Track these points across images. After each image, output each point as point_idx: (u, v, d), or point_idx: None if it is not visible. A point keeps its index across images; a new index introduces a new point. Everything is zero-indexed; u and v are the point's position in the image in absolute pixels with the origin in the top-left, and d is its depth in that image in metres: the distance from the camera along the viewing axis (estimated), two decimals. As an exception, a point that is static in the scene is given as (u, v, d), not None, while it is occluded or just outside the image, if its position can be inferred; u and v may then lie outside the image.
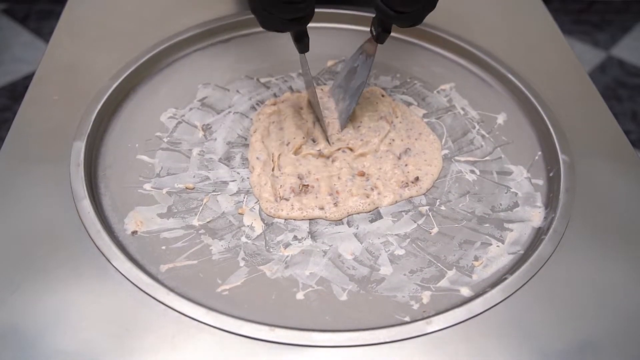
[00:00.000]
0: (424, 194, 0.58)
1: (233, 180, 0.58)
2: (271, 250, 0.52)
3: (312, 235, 0.54)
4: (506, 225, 0.56)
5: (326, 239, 0.54)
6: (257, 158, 0.59)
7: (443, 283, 0.50)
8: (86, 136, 0.58)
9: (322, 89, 0.69)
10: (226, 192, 0.57)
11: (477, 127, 0.66)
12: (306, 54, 0.59)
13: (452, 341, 0.45)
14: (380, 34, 0.58)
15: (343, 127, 0.63)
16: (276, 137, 0.62)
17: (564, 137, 0.61)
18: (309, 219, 0.55)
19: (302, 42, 0.57)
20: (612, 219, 0.55)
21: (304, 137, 0.61)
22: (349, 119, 0.64)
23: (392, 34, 0.76)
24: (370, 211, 0.56)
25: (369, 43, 0.62)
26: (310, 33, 0.56)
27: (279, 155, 0.60)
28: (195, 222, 0.54)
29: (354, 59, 0.65)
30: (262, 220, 0.55)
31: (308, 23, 0.55)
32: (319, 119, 0.63)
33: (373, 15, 0.58)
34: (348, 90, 0.64)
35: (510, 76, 0.69)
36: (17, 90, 1.67)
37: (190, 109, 0.66)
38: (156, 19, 0.75)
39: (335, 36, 0.76)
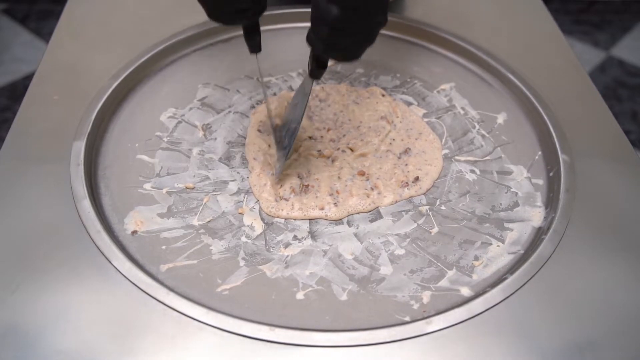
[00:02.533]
0: (424, 194, 0.58)
1: (233, 180, 0.58)
2: (271, 250, 0.52)
3: (312, 235, 0.54)
4: (506, 225, 0.56)
5: (326, 239, 0.54)
6: (255, 159, 0.59)
7: (443, 283, 0.50)
8: (86, 136, 0.58)
9: (322, 87, 0.69)
10: (226, 191, 0.57)
11: (477, 126, 0.66)
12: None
13: (452, 341, 0.45)
14: (314, 69, 0.51)
15: (277, 177, 0.57)
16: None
17: (564, 137, 0.61)
18: (309, 219, 0.55)
19: (251, 40, 0.54)
20: (612, 219, 0.55)
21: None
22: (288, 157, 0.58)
23: (392, 33, 0.76)
24: (370, 211, 0.56)
25: (307, 79, 0.54)
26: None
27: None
28: (195, 221, 0.54)
29: (295, 96, 0.58)
30: (262, 220, 0.55)
31: (257, 17, 0.51)
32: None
33: None
34: (288, 131, 0.57)
35: (510, 76, 0.69)
36: (17, 90, 1.67)
37: (190, 108, 0.66)
38: (156, 19, 0.75)
39: None
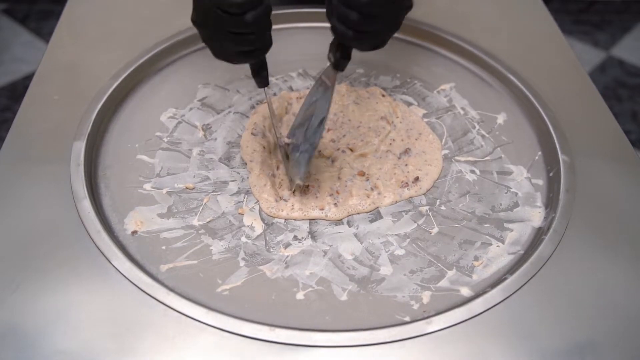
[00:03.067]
0: (424, 194, 0.58)
1: (233, 180, 0.58)
2: (271, 250, 0.52)
3: (312, 235, 0.54)
4: (506, 225, 0.56)
5: (326, 239, 0.54)
6: (251, 161, 0.59)
7: (443, 283, 0.50)
8: (86, 136, 0.58)
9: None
10: (226, 192, 0.57)
11: (477, 127, 0.66)
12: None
13: (452, 341, 0.45)
14: (339, 60, 0.51)
15: (302, 178, 0.54)
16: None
17: (564, 137, 0.61)
18: (309, 219, 0.55)
19: (259, 76, 0.53)
20: (612, 219, 0.55)
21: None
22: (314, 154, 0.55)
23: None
24: (370, 211, 0.56)
25: (328, 72, 0.54)
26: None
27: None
28: (195, 222, 0.54)
29: (312, 92, 0.56)
30: (262, 220, 0.55)
31: (264, 54, 0.51)
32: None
33: None
34: (308, 130, 0.55)
35: (510, 76, 0.69)
36: (17, 90, 1.67)
37: (190, 108, 0.66)
38: (156, 19, 0.75)
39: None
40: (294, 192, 0.56)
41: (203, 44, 0.50)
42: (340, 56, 0.51)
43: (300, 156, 0.55)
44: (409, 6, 0.48)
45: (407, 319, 0.47)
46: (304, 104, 0.57)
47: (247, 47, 0.49)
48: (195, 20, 0.49)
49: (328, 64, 0.53)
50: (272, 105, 0.57)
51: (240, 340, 0.44)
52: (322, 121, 0.54)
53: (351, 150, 0.62)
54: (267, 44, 0.50)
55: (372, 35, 0.48)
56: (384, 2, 0.45)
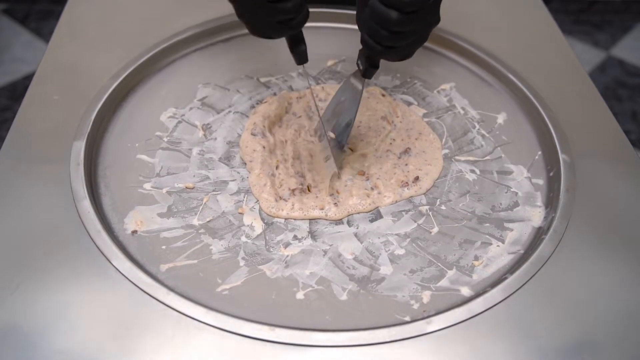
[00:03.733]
0: (424, 194, 0.58)
1: (233, 180, 0.58)
2: (271, 249, 0.52)
3: (312, 234, 0.54)
4: (506, 224, 0.56)
5: (326, 239, 0.54)
6: (250, 161, 0.59)
7: (443, 283, 0.50)
8: (86, 136, 0.58)
9: (322, 87, 0.69)
10: (226, 191, 0.57)
11: (477, 126, 0.66)
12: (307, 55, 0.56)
13: (452, 341, 0.45)
14: (368, 69, 0.53)
15: (339, 168, 0.58)
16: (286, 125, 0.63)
17: (564, 137, 0.61)
18: (309, 219, 0.55)
19: (298, 51, 0.54)
20: (612, 219, 0.55)
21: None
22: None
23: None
24: (370, 211, 0.56)
25: (357, 78, 0.56)
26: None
27: (286, 140, 0.61)
28: (195, 221, 0.54)
29: (342, 90, 0.59)
30: (262, 219, 0.55)
31: (301, 26, 0.51)
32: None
33: None
34: (336, 128, 0.58)
35: (510, 76, 0.69)
36: (17, 90, 1.67)
37: (191, 108, 0.66)
38: (156, 19, 0.75)
39: (335, 36, 0.76)
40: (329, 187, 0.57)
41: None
42: (368, 65, 0.53)
43: (334, 151, 0.57)
44: (437, 21, 0.49)
45: (407, 318, 0.47)
46: (332, 101, 0.60)
47: (285, 16, 0.48)
48: None
49: (356, 68, 0.55)
50: (313, 94, 0.58)
51: (240, 340, 0.44)
52: (349, 124, 0.56)
53: (351, 149, 0.62)
54: (305, 13, 0.50)
55: (401, 49, 0.49)
56: (412, 20, 0.46)
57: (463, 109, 0.68)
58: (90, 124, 0.59)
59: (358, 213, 0.56)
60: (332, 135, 0.58)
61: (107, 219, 0.53)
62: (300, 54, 0.54)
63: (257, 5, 0.47)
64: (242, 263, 0.51)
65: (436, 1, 0.47)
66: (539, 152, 0.63)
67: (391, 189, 0.58)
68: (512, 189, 0.59)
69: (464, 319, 0.46)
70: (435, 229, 0.55)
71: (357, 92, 0.56)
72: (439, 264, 0.52)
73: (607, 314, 0.48)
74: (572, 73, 0.72)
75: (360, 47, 0.52)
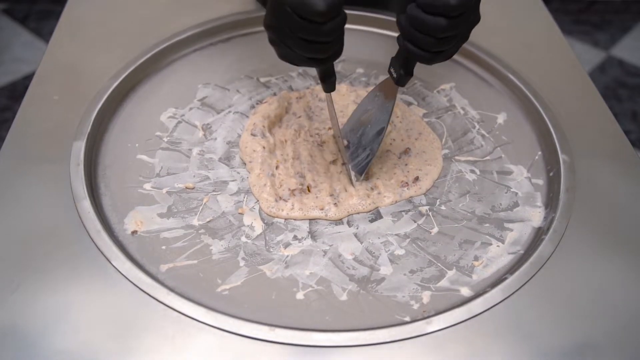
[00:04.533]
0: (424, 194, 0.58)
1: (233, 180, 0.58)
2: (271, 250, 0.52)
3: (312, 235, 0.54)
4: (506, 225, 0.56)
5: (326, 239, 0.54)
6: (250, 162, 0.59)
7: (443, 283, 0.50)
8: (86, 136, 0.58)
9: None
10: (226, 191, 0.57)
11: (477, 126, 0.66)
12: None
13: (452, 341, 0.45)
14: (403, 76, 0.52)
15: (361, 176, 0.58)
16: (285, 125, 0.63)
17: (564, 137, 0.61)
18: (309, 219, 0.55)
19: (327, 82, 0.53)
20: (612, 219, 0.55)
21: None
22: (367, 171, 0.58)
23: (393, 33, 0.76)
24: (370, 211, 0.56)
25: (388, 85, 0.55)
26: None
27: (285, 140, 0.61)
28: (195, 221, 0.54)
29: (369, 99, 0.59)
30: (262, 220, 0.55)
31: (334, 61, 0.50)
32: (344, 162, 0.60)
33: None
34: (364, 136, 0.58)
35: (510, 76, 0.69)
36: (17, 90, 1.67)
37: (190, 108, 0.66)
38: (156, 19, 0.75)
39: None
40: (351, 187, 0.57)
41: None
42: (404, 73, 0.52)
43: (361, 161, 0.58)
44: (478, 19, 0.49)
45: (407, 319, 0.47)
46: (357, 110, 0.60)
47: (320, 55, 0.48)
48: (269, 24, 0.48)
49: (386, 77, 0.55)
50: (332, 106, 0.57)
51: (240, 340, 0.44)
52: (381, 131, 0.56)
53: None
54: (339, 51, 0.49)
55: (447, 52, 0.49)
56: (460, 23, 0.46)
57: (463, 109, 0.68)
58: (90, 124, 0.59)
59: (358, 213, 0.56)
60: (345, 142, 0.59)
61: (107, 219, 0.53)
62: (329, 85, 0.53)
63: (295, 39, 0.46)
64: (242, 263, 0.51)
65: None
66: (539, 152, 0.63)
67: (391, 189, 0.58)
68: (512, 189, 0.59)
69: (464, 319, 0.46)
70: (435, 229, 0.55)
71: (388, 100, 0.56)
72: (439, 264, 0.52)
73: (607, 314, 0.48)
74: (572, 73, 0.72)
75: (392, 56, 0.52)
